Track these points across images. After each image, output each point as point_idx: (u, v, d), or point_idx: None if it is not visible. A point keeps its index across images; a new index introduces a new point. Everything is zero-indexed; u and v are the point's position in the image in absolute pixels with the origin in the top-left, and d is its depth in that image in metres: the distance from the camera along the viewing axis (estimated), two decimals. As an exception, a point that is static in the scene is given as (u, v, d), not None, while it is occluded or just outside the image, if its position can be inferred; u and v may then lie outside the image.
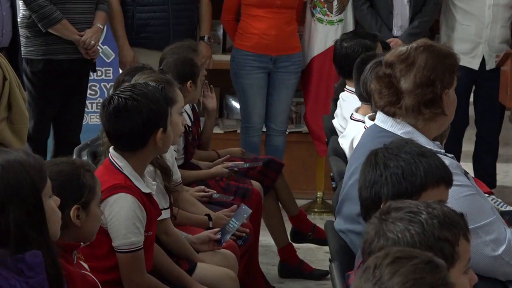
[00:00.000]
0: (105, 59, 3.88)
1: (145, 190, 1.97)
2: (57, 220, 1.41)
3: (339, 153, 2.60)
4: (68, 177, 1.60)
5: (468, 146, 4.14)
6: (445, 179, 1.42)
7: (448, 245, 1.10)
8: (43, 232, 1.32)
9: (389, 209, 1.16)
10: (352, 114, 2.65)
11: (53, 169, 1.57)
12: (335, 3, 3.80)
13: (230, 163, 3.00)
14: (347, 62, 2.98)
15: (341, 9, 3.81)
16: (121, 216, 1.92)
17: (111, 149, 1.96)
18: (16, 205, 1.30)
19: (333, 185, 2.60)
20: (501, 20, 3.88)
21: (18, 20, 3.31)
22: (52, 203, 1.38)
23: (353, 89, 2.82)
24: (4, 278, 1.28)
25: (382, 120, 1.78)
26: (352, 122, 2.59)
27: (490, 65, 3.82)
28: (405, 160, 1.42)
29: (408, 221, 1.10)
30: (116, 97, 1.97)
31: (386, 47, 3.14)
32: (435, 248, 1.08)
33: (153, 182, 2.07)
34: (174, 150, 2.68)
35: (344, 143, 2.61)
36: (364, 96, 2.45)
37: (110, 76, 3.93)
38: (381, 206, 1.33)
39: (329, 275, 2.04)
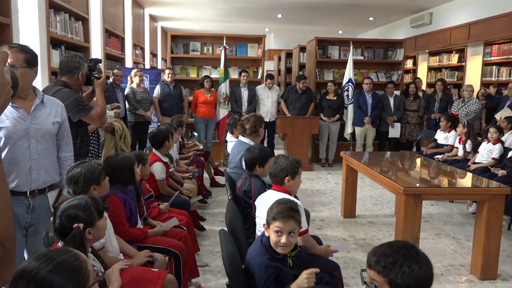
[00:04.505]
0: (154, 119, 6.36)
1: (165, 160, 3.46)
2: (138, 177, 2.16)
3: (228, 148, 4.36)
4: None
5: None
6: (271, 154, 2.49)
7: (296, 167, 2.14)
8: (134, 181, 2.23)
9: (277, 157, 2.18)
10: (228, 137, 4.53)
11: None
12: (226, 102, 6.61)
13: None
14: (231, 122, 4.67)
15: (228, 102, 6.76)
16: (157, 169, 3.39)
17: (153, 149, 3.51)
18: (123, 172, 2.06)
19: (226, 157, 5.06)
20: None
21: (126, 107, 5.70)
22: (137, 170, 2.12)
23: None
24: (121, 195, 2.05)
25: (242, 138, 3.11)
26: (229, 142, 4.40)
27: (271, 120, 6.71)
28: (256, 148, 2.62)
29: (284, 160, 2.16)
30: (154, 131, 3.43)
31: None
32: (293, 168, 2.13)
33: (166, 158, 3.55)
34: (177, 148, 4.68)
35: (229, 147, 4.34)
36: (231, 131, 4.47)
37: (154, 125, 6.26)
38: (257, 165, 2.44)
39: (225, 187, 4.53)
